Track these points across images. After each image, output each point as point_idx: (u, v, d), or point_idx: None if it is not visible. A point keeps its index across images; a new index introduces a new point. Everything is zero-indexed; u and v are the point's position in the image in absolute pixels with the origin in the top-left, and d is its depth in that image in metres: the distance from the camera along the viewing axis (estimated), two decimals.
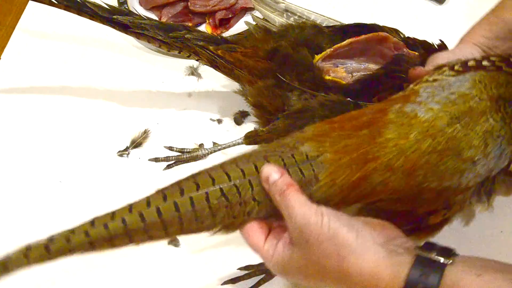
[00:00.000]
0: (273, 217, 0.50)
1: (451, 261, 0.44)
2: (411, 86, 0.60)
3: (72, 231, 0.46)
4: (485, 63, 0.57)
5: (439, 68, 0.60)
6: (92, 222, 0.47)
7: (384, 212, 0.54)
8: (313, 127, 0.54)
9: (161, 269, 0.68)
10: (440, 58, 0.64)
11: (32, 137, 0.81)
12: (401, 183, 0.51)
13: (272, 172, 0.48)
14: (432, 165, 0.51)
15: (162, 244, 0.70)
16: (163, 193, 0.48)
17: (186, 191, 0.48)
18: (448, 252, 0.45)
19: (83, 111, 0.84)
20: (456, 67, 0.58)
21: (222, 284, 0.67)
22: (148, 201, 0.48)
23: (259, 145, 0.56)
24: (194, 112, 0.84)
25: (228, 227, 0.50)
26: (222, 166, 0.50)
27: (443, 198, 0.54)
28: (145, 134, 0.81)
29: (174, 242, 0.70)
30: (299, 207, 0.46)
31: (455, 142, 0.51)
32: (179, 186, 0.49)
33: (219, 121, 0.83)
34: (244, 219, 0.50)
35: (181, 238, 0.70)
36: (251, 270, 0.67)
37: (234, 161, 0.51)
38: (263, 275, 0.67)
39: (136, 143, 0.80)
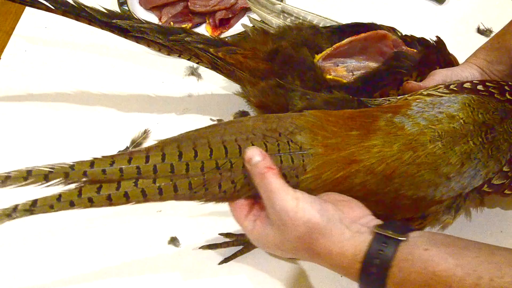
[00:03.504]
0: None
1: (405, 238, 0.49)
2: (406, 95, 0.63)
3: (72, 166, 0.51)
4: (479, 87, 0.61)
5: (435, 85, 0.64)
6: (92, 163, 0.51)
7: None
8: (311, 114, 0.57)
9: (161, 269, 0.68)
10: (439, 75, 0.67)
11: (32, 137, 0.81)
12: (379, 187, 0.56)
13: (255, 154, 0.52)
14: (410, 175, 0.56)
15: (162, 244, 0.70)
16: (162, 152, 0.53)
17: (184, 157, 0.53)
18: (403, 229, 0.50)
19: (83, 112, 0.84)
20: (451, 86, 0.62)
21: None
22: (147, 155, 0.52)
23: (257, 117, 0.58)
24: (194, 112, 0.84)
25: (218, 200, 0.55)
26: (222, 136, 0.55)
27: (418, 206, 0.58)
28: (145, 134, 0.81)
29: (174, 242, 0.70)
30: (277, 191, 0.50)
31: (433, 158, 0.56)
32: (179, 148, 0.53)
33: (219, 121, 0.83)
34: (233, 194, 0.54)
35: (181, 238, 0.70)
36: (230, 239, 0.69)
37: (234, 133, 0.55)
38: (241, 247, 0.69)
39: (136, 143, 0.80)
